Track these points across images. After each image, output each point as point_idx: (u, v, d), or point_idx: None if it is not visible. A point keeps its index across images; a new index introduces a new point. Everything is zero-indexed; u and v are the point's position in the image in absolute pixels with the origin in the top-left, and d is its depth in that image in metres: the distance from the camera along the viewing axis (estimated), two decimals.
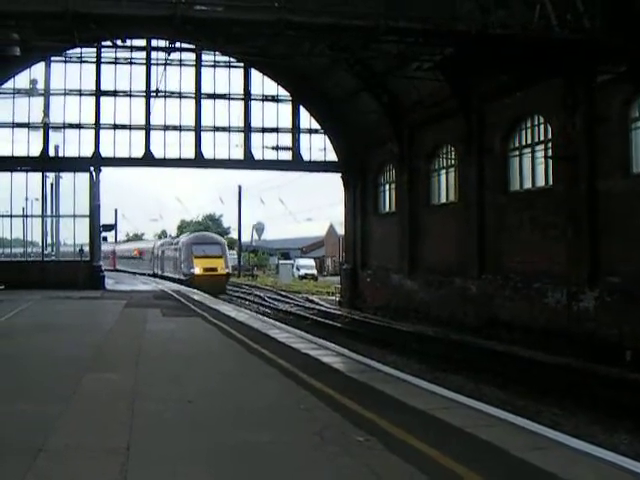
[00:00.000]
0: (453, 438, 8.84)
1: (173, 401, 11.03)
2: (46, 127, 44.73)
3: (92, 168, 44.54)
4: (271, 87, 47.63)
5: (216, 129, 46.54)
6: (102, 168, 45.06)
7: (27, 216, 46.76)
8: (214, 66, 46.87)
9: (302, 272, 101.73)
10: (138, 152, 45.47)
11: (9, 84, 44.62)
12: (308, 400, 11.18)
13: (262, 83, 47.52)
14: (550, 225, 28.98)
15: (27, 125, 44.87)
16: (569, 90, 27.46)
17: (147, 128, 45.59)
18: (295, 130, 47.79)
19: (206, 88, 46.74)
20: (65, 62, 45.13)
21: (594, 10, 23.92)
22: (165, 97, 45.80)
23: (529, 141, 31.39)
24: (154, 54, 44.47)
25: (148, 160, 45.87)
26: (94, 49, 43.04)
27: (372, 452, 8.23)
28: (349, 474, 7.59)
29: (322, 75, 43.10)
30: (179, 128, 46.20)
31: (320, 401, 11.04)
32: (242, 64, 46.36)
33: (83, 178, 44.60)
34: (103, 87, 45.72)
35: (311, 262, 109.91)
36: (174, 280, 65.93)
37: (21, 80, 44.44)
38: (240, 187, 75.50)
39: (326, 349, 17.62)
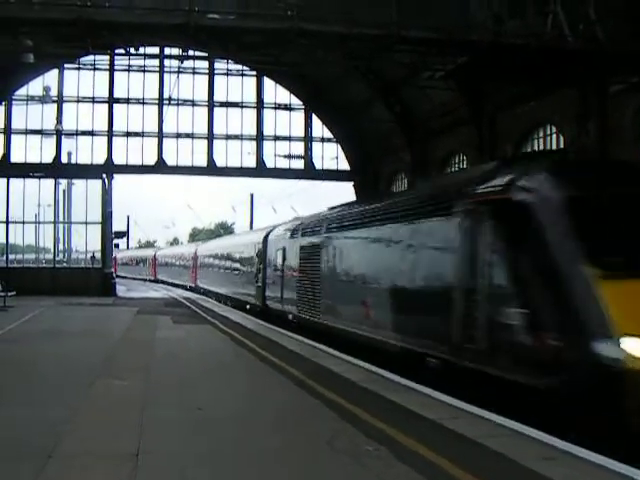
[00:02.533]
0: (463, 448, 8.81)
1: (183, 408, 11.02)
2: (59, 134, 44.90)
3: (104, 175, 44.62)
4: (284, 95, 47.77)
5: (228, 137, 46.70)
6: (114, 175, 45.17)
7: (39, 223, 46.92)
8: (227, 74, 47.04)
9: None
10: (150, 160, 45.63)
11: (22, 91, 44.88)
12: (318, 409, 11.17)
13: (274, 91, 47.67)
14: None
15: (40, 132, 45.04)
16: (582, 100, 27.42)
17: (160, 136, 45.74)
18: (307, 139, 47.90)
19: (219, 96, 46.91)
20: (78, 69, 45.37)
21: (607, 19, 23.88)
22: (178, 105, 45.96)
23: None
24: (167, 62, 44.68)
25: (160, 168, 46.02)
26: (107, 57, 43.19)
27: (382, 461, 8.20)
28: None
29: (335, 84, 43.11)
30: (191, 136, 46.34)
31: (330, 410, 11.02)
32: (255, 72, 46.52)
33: (95, 185, 44.65)
34: (116, 95, 45.95)
35: None
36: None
37: (34, 87, 44.77)
38: (252, 195, 74.94)
39: (337, 358, 17.58)
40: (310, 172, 48.36)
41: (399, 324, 17.02)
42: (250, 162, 46.91)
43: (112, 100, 45.88)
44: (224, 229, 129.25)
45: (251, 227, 67.03)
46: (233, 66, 46.21)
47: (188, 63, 43.82)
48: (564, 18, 23.34)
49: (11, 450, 8.40)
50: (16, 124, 45.12)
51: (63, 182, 46.14)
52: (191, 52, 34.86)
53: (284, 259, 29.33)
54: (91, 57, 42.70)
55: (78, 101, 45.47)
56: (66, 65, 44.49)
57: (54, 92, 43.77)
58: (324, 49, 26.08)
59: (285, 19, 23.07)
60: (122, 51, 32.88)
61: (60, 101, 44.85)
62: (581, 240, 11.53)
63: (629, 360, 10.02)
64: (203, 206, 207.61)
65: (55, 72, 44.67)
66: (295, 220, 31.84)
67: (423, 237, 16.36)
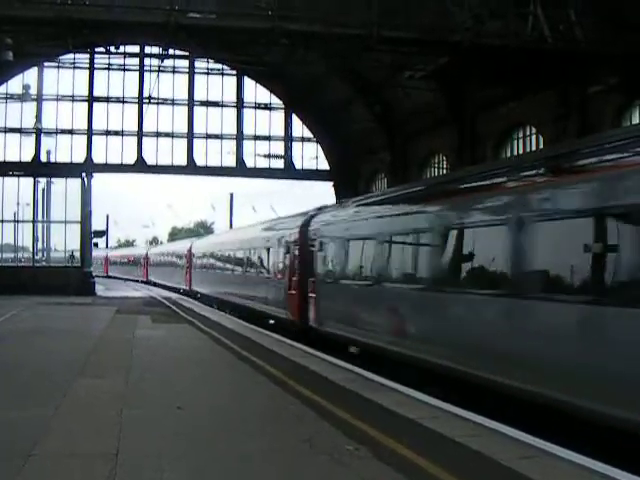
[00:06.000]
0: (442, 447, 8.84)
1: (163, 407, 11.00)
2: (38, 132, 44.74)
3: (84, 174, 44.37)
4: (264, 95, 47.79)
5: (208, 136, 46.67)
6: (94, 174, 44.96)
7: (18, 221, 46.52)
8: (207, 73, 46.96)
9: None
10: (130, 158, 45.56)
11: (2, 89, 44.66)
12: (297, 408, 11.16)
13: (255, 91, 47.69)
14: None
15: (19, 130, 44.86)
16: (562, 100, 27.54)
17: (139, 135, 45.66)
18: (287, 138, 47.93)
19: (199, 95, 46.87)
20: (58, 68, 45.21)
21: (586, 22, 24.03)
22: (158, 104, 45.84)
23: (521, 151, 31.47)
24: (147, 61, 44.62)
25: (140, 167, 45.97)
26: (87, 55, 43.09)
27: (362, 461, 8.21)
28: None
29: (315, 84, 43.16)
30: (171, 135, 46.29)
31: (309, 409, 11.02)
32: (235, 72, 46.46)
33: (75, 184, 44.40)
34: (96, 93, 45.81)
35: None
36: None
37: (14, 85, 44.54)
38: (232, 195, 74.76)
39: (315, 357, 17.59)
40: (290, 172, 48.42)
41: None
42: (230, 161, 46.92)
43: (92, 99, 45.74)
44: (204, 228, 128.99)
45: (230, 226, 68.29)
46: (213, 65, 46.18)
47: (168, 62, 43.79)
48: (544, 20, 23.48)
49: None
50: None
51: (42, 181, 45.88)
52: (171, 51, 34.90)
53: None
54: (71, 55, 42.67)
55: (58, 99, 45.31)
56: (46, 63, 44.29)
57: (33, 90, 43.63)
58: (305, 49, 26.13)
59: (267, 19, 23.11)
60: (102, 50, 32.86)
61: (39, 99, 44.68)
62: None
63: None
64: (183, 205, 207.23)
65: (34, 70, 44.46)
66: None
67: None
